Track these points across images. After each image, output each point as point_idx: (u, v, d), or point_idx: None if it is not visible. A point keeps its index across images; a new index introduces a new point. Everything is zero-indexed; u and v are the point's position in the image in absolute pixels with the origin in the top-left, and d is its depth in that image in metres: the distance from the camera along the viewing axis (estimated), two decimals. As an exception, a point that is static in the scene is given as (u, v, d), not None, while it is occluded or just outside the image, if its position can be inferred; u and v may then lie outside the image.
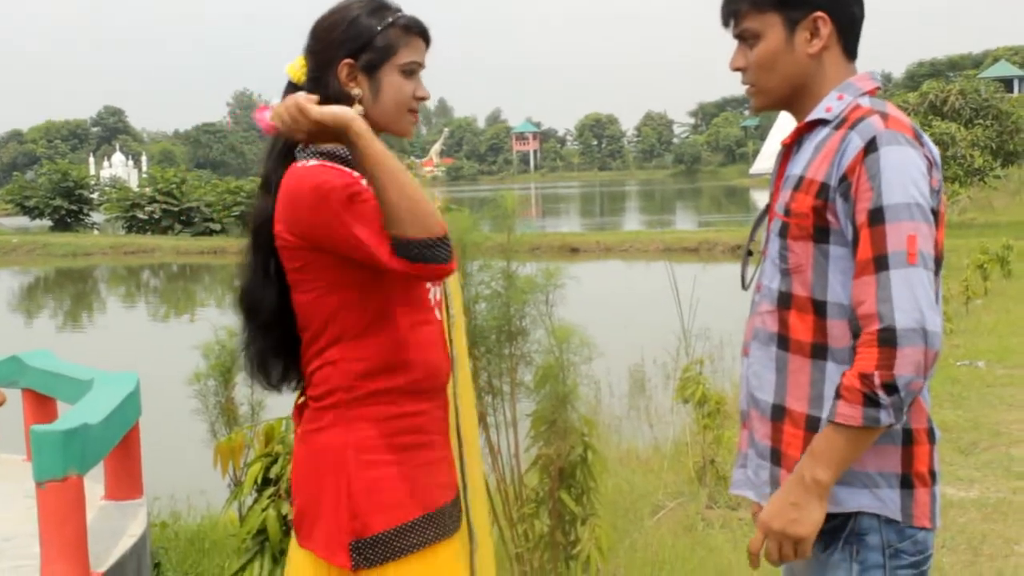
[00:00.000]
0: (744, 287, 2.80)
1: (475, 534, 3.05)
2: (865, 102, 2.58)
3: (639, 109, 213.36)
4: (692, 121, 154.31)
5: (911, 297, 2.34)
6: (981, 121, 38.49)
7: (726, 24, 2.72)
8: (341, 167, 2.77)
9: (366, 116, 2.82)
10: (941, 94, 38.58)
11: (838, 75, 2.64)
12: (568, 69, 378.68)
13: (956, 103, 38.27)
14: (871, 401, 2.36)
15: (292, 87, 2.94)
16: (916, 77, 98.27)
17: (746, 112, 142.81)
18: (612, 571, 5.45)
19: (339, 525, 2.80)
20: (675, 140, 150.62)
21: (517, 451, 5.43)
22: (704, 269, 14.84)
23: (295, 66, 2.95)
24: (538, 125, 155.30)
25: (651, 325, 12.95)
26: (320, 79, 2.88)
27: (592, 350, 5.26)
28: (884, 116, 2.50)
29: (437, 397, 2.92)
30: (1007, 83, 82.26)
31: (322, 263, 2.76)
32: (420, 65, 2.91)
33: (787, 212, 2.59)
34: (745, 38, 2.67)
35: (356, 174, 2.74)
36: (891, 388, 2.36)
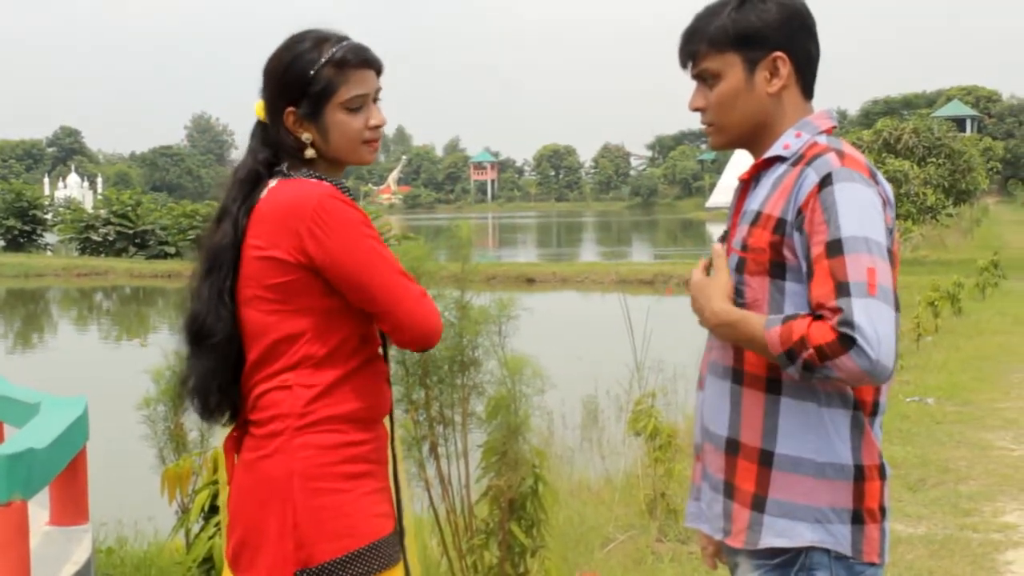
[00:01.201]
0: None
1: (410, 568, 3.03)
2: (822, 140, 2.61)
3: (597, 141, 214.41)
4: (649, 154, 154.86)
5: (871, 325, 2.34)
6: (934, 159, 38.89)
7: (684, 65, 2.74)
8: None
9: (322, 155, 2.86)
10: (895, 132, 38.94)
11: (796, 113, 2.67)
12: (527, 99, 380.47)
13: (910, 141, 38.64)
14: (791, 356, 2.41)
15: (260, 125, 2.98)
16: (871, 115, 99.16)
17: (703, 146, 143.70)
18: (561, 604, 5.42)
19: (284, 555, 2.78)
20: (632, 172, 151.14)
21: (468, 482, 5.42)
22: (658, 301, 14.86)
23: (260, 107, 2.98)
24: (496, 155, 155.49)
25: (605, 356, 12.97)
26: (273, 125, 2.93)
27: (545, 381, 5.25)
28: (840, 154, 2.53)
29: (378, 427, 2.93)
30: (960, 122, 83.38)
31: (308, 286, 2.79)
32: (365, 97, 2.89)
33: (744, 247, 2.60)
34: (704, 78, 2.69)
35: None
36: (811, 369, 2.40)
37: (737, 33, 2.62)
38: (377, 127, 2.91)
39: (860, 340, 2.33)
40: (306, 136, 2.88)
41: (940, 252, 39.04)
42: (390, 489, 2.96)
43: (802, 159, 2.57)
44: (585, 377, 12.21)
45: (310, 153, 2.88)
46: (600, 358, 13.43)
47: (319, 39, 2.86)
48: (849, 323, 2.34)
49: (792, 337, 2.40)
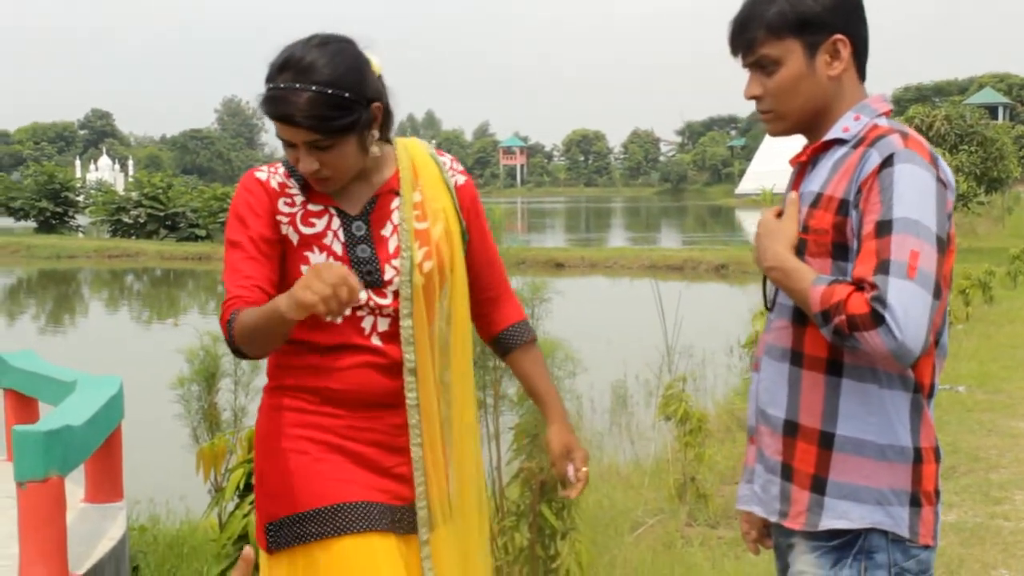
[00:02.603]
0: (767, 306, 2.78)
1: (427, 565, 2.99)
2: (883, 122, 2.59)
3: (626, 126, 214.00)
4: (679, 139, 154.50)
5: (903, 307, 2.34)
6: (966, 147, 38.61)
7: (736, 53, 2.70)
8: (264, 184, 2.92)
9: None
10: (927, 119, 38.67)
11: (853, 96, 2.64)
12: (556, 84, 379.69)
13: (942, 128, 38.38)
14: (826, 318, 2.42)
15: None
16: (902, 102, 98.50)
17: (733, 132, 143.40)
18: (591, 586, 5.44)
19: (260, 508, 2.96)
20: (661, 158, 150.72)
21: (499, 464, 5.44)
22: (688, 287, 14.85)
23: None
24: (525, 140, 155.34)
25: (634, 342, 12.98)
26: None
27: (576, 365, 5.27)
28: (904, 136, 2.51)
29: (369, 412, 2.92)
30: (992, 110, 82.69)
31: None
32: (286, 140, 2.83)
33: (805, 229, 2.59)
34: (763, 65, 2.64)
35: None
36: (840, 335, 2.41)
37: (797, 18, 2.58)
38: (303, 171, 2.85)
39: (889, 319, 2.33)
40: None
41: (971, 240, 38.76)
42: (394, 470, 2.94)
43: (863, 141, 2.55)
44: (614, 362, 12.21)
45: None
46: (628, 343, 13.43)
47: (279, 65, 2.79)
48: (882, 301, 2.34)
49: (832, 299, 2.40)
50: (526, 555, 5.27)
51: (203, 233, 47.14)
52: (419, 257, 2.94)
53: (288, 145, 2.81)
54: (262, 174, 2.94)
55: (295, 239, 2.88)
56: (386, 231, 2.95)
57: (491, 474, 5.40)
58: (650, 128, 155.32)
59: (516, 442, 5.22)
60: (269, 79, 2.78)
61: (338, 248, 2.89)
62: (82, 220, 55.23)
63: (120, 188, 63.88)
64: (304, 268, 2.84)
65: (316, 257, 2.87)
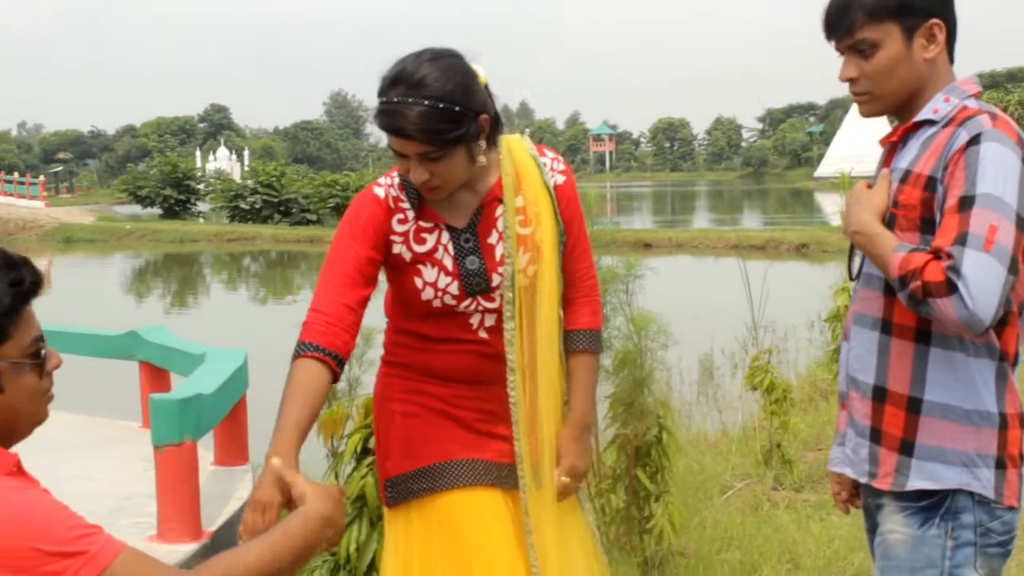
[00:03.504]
0: (851, 277, 2.77)
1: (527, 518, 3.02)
2: (972, 103, 2.57)
3: (710, 114, 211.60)
4: (760, 126, 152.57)
5: (976, 278, 2.32)
6: (1040, 131, 37.90)
7: (831, 37, 2.66)
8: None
9: None
10: (1000, 104, 38.05)
11: (945, 78, 2.62)
12: (643, 75, 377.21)
13: (1015, 113, 37.72)
14: (903, 282, 2.42)
15: None
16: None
17: (811, 119, 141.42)
18: (683, 546, 5.45)
19: (380, 466, 3.05)
20: (743, 144, 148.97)
21: (597, 431, 5.46)
22: (770, 266, 14.71)
23: None
24: (614, 128, 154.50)
25: (719, 317, 12.91)
26: None
27: (668, 338, 5.27)
28: (993, 116, 2.49)
29: (471, 387, 3.00)
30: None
31: None
32: (399, 152, 2.81)
33: (895, 204, 2.57)
34: (861, 49, 2.60)
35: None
36: (915, 300, 2.40)
37: (898, 2, 2.55)
38: (414, 182, 2.84)
39: (962, 288, 2.32)
40: None
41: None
42: (497, 431, 3.02)
43: (953, 121, 2.53)
44: (700, 336, 12.15)
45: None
46: (714, 318, 13.36)
47: (391, 80, 2.78)
48: (957, 270, 2.33)
49: (910, 265, 2.40)
50: (622, 516, 5.30)
51: (314, 217, 47.50)
52: (522, 263, 2.96)
53: (400, 156, 2.80)
54: (380, 190, 2.93)
55: (408, 256, 2.91)
56: (492, 239, 2.97)
57: (589, 440, 5.42)
58: (732, 116, 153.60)
59: (612, 410, 5.24)
60: (382, 93, 2.77)
61: (448, 263, 2.93)
62: (203, 207, 55.92)
63: (237, 177, 64.56)
64: (417, 281, 2.90)
65: (428, 272, 2.91)
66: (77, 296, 25.10)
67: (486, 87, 2.88)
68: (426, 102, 2.70)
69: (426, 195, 2.89)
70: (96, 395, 9.91)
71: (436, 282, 2.91)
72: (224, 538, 5.38)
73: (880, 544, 2.67)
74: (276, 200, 48.68)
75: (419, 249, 2.91)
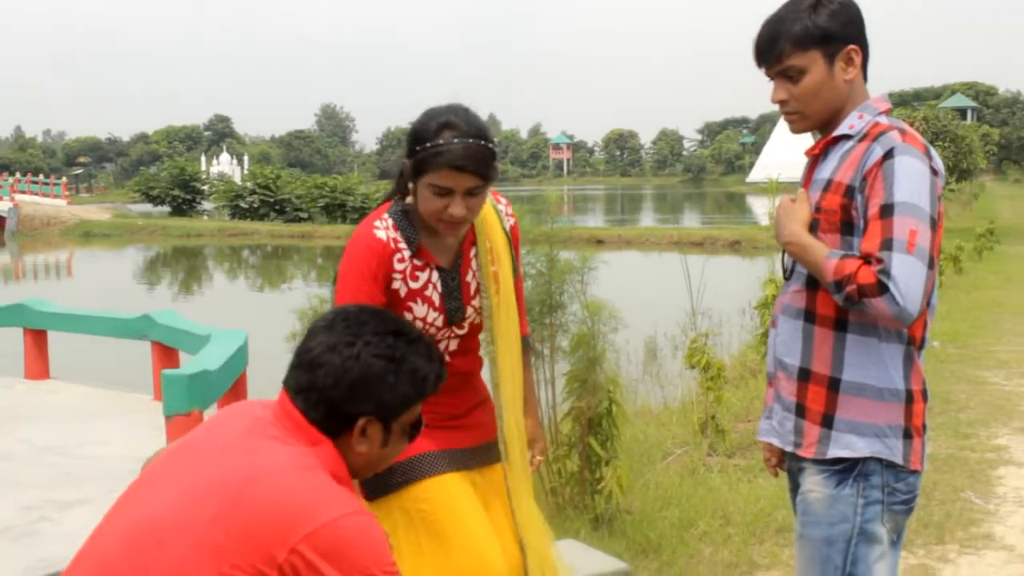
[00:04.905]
0: (786, 276, 2.78)
1: (508, 470, 3.12)
2: (883, 120, 2.59)
3: (655, 126, 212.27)
4: (699, 137, 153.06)
5: (904, 278, 2.36)
6: (940, 143, 38.06)
7: (763, 64, 2.67)
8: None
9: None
10: (908, 120, 38.21)
11: (860, 97, 2.64)
12: (598, 91, 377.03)
13: (920, 128, 37.87)
14: (839, 286, 2.44)
15: None
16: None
17: (744, 131, 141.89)
18: (629, 504, 5.48)
19: None
20: (684, 153, 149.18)
21: (554, 404, 5.48)
22: (707, 260, 14.75)
23: None
24: (571, 137, 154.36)
25: (662, 305, 12.93)
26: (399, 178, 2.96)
27: (618, 322, 5.29)
28: (902, 132, 2.52)
29: (457, 390, 3.02)
30: (962, 112, 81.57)
31: None
32: (447, 189, 2.77)
33: (818, 209, 2.59)
34: (789, 74, 2.62)
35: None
36: (851, 301, 2.43)
37: (820, 32, 2.57)
38: (453, 216, 2.80)
39: (892, 288, 2.35)
40: (411, 186, 2.88)
41: (944, 221, 38.12)
42: (460, 421, 3.07)
43: (867, 136, 2.55)
44: (646, 321, 12.16)
45: (409, 200, 2.92)
46: (658, 306, 13.39)
47: (442, 125, 2.77)
48: (887, 273, 2.36)
49: (844, 271, 2.42)
50: (576, 478, 5.32)
51: (305, 215, 47.35)
52: (492, 293, 3.04)
53: (441, 194, 2.77)
54: (380, 233, 2.88)
55: (403, 291, 2.91)
56: (469, 277, 3.03)
57: (547, 412, 5.44)
58: (675, 128, 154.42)
59: (568, 385, 5.26)
60: (435, 135, 2.75)
61: (436, 299, 2.95)
62: (207, 205, 55.55)
63: (237, 179, 64.08)
64: (407, 315, 2.91)
65: (419, 308, 2.92)
66: (95, 283, 24.93)
67: None
68: (483, 141, 2.76)
69: (447, 231, 2.87)
70: (113, 371, 9.87)
71: (425, 316, 2.93)
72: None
73: (801, 502, 2.70)
74: (272, 200, 48.49)
75: (413, 286, 2.92)
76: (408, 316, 2.91)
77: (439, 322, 2.96)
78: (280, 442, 2.08)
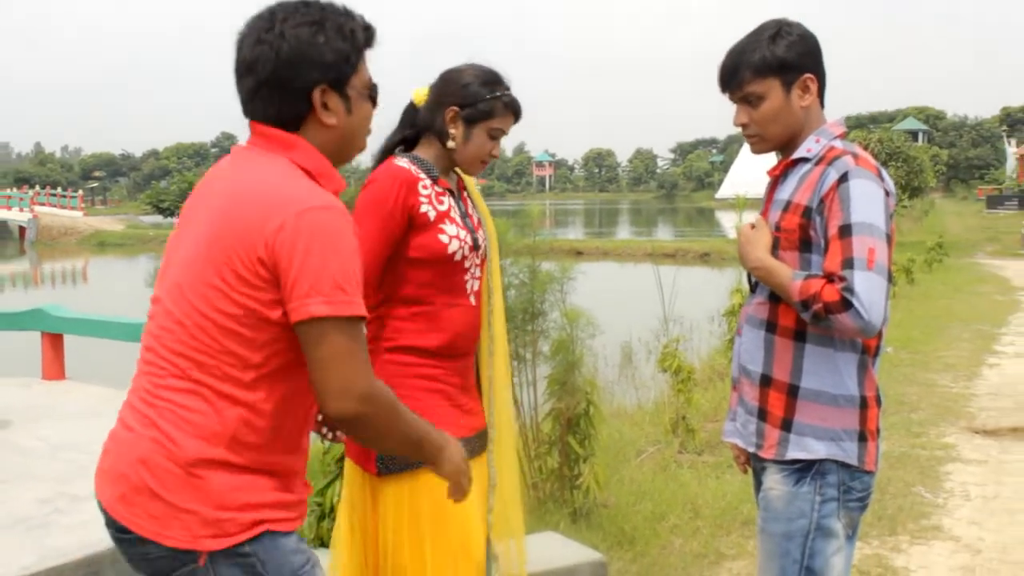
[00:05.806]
0: (751, 289, 2.78)
1: (493, 469, 3.06)
2: (838, 144, 2.59)
3: (631, 145, 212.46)
4: (672, 156, 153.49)
5: (866, 293, 2.36)
6: (893, 163, 38.19)
7: (725, 90, 2.68)
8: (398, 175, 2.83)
9: (453, 152, 2.90)
10: (863, 142, 38.32)
11: (817, 122, 2.64)
12: (579, 113, 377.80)
13: (875, 149, 38.00)
14: (806, 305, 2.45)
15: (412, 107, 3.01)
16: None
17: (713, 150, 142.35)
18: (605, 498, 5.47)
19: None
20: (658, 170, 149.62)
21: (535, 404, 5.47)
22: (679, 270, 14.78)
23: (420, 93, 2.99)
24: (553, 155, 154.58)
25: (636, 312, 12.94)
26: (433, 111, 2.93)
27: (595, 328, 5.29)
28: (855, 156, 2.52)
29: (456, 361, 2.92)
30: (914, 134, 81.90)
31: None
32: (504, 132, 2.94)
33: (778, 228, 2.60)
34: (749, 100, 2.63)
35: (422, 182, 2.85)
36: (818, 318, 2.43)
37: (778, 62, 2.58)
38: (494, 157, 2.97)
39: (856, 304, 2.35)
40: (453, 132, 2.89)
41: (897, 235, 37.99)
42: (468, 407, 2.97)
43: (823, 160, 2.55)
44: (622, 327, 12.15)
45: (451, 144, 2.90)
46: (633, 313, 13.40)
47: (494, 78, 2.93)
48: (850, 290, 2.36)
49: (809, 291, 2.43)
50: (556, 474, 5.31)
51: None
52: (489, 227, 3.06)
53: (494, 137, 2.93)
54: (403, 162, 2.87)
55: (432, 215, 2.84)
56: (471, 209, 3.03)
57: (529, 412, 5.43)
58: (650, 147, 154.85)
59: (549, 388, 5.25)
60: (499, 86, 2.92)
61: (460, 219, 2.91)
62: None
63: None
64: (443, 236, 2.83)
65: (450, 228, 2.85)
66: (109, 289, 24.82)
67: None
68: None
69: (479, 171, 2.98)
70: (124, 372, 9.80)
71: (458, 235, 2.86)
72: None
73: (763, 499, 2.70)
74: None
75: (440, 208, 2.86)
76: (445, 237, 2.83)
77: (470, 241, 2.89)
78: (256, 157, 2.07)
